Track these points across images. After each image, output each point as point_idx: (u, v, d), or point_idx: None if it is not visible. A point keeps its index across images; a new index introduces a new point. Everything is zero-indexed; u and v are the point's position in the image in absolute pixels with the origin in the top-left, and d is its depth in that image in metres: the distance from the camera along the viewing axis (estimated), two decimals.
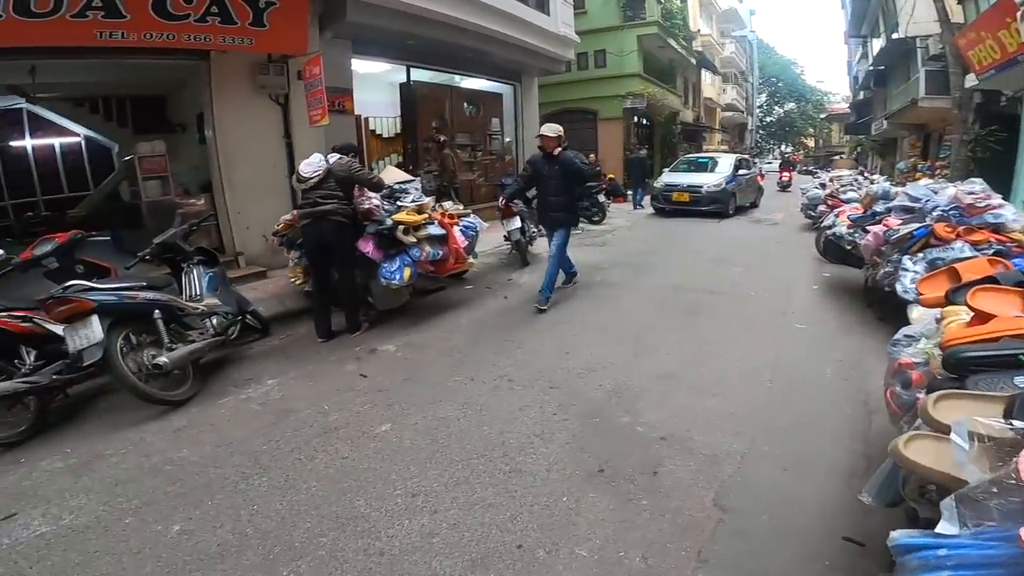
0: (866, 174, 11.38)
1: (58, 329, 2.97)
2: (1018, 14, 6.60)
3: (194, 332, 3.68)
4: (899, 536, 1.01)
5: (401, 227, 4.27)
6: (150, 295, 3.39)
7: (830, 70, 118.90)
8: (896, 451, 1.21)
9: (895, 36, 14.77)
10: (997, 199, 3.70)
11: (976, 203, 3.59)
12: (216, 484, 2.41)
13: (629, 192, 14.38)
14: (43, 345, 3.06)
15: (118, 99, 9.26)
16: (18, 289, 3.59)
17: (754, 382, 3.31)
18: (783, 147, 45.93)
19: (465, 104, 10.85)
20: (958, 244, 3.42)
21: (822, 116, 44.58)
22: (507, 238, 6.81)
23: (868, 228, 4.27)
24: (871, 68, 20.05)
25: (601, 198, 10.55)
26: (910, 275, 3.54)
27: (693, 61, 22.59)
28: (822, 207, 8.10)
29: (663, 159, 19.52)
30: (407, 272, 4.27)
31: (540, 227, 7.95)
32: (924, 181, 5.75)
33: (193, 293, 3.95)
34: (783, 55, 43.62)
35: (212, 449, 2.72)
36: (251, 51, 5.72)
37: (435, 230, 4.49)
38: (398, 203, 4.57)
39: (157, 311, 3.37)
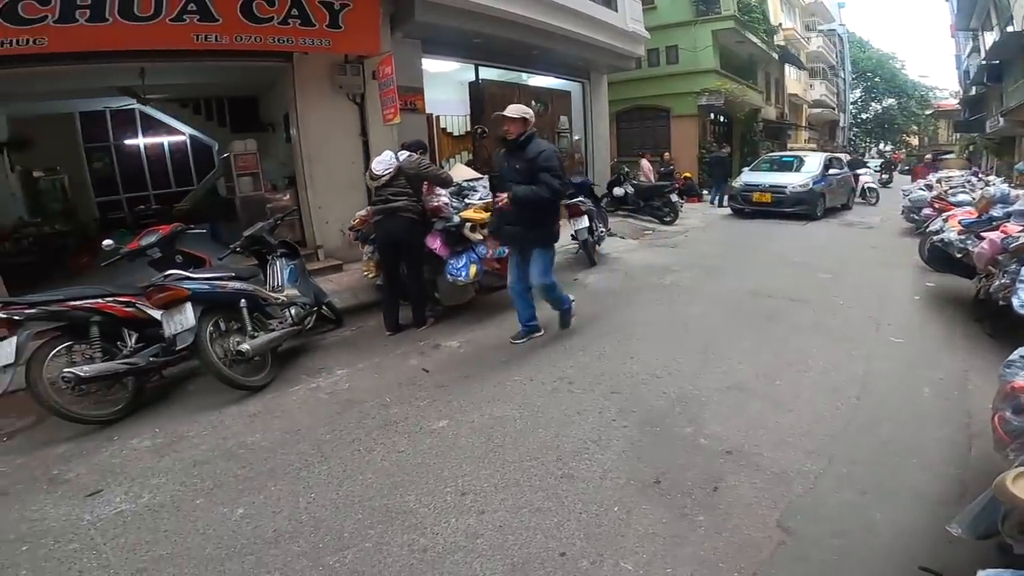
0: (981, 175, 10.22)
1: (157, 314, 3.21)
2: None
3: (274, 321, 3.91)
4: (989, 574, 0.90)
5: (468, 224, 4.33)
6: (237, 285, 3.63)
7: (935, 65, 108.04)
8: (1002, 487, 1.07)
9: (1010, 29, 13.13)
10: None
11: None
12: (280, 470, 2.53)
13: (705, 191, 13.79)
14: (144, 329, 3.33)
15: (217, 100, 10.07)
16: (126, 276, 4.01)
17: (838, 398, 3.04)
18: (882, 145, 42.18)
19: (533, 102, 10.81)
20: None
21: (927, 112, 40.55)
22: (574, 237, 6.72)
23: (983, 234, 3.81)
24: (984, 63, 18.06)
25: (674, 198, 10.17)
26: None
27: (775, 56, 21.33)
28: (927, 210, 7.34)
29: (743, 158, 18.54)
30: (473, 269, 4.32)
31: (608, 228, 7.84)
32: None
33: (276, 284, 4.19)
34: (879, 49, 40.11)
35: (281, 435, 2.87)
36: (329, 52, 5.98)
37: None
38: (466, 200, 4.63)
39: (243, 300, 3.60)
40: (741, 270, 6.31)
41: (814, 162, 11.48)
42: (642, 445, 2.63)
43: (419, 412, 3.06)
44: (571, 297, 4.26)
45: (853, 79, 38.81)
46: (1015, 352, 1.82)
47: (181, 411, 3.23)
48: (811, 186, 10.45)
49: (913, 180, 13.16)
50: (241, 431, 2.94)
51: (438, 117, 9.93)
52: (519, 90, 10.40)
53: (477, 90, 9.53)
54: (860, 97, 40.43)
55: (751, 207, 10.85)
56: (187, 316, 3.17)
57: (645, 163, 11.72)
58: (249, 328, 3.56)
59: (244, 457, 2.67)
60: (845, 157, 15.55)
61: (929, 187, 8.44)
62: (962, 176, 8.99)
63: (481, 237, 4.33)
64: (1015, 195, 4.30)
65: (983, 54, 18.21)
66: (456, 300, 4.91)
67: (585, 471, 2.42)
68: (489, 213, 4.48)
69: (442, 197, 4.40)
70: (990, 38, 16.73)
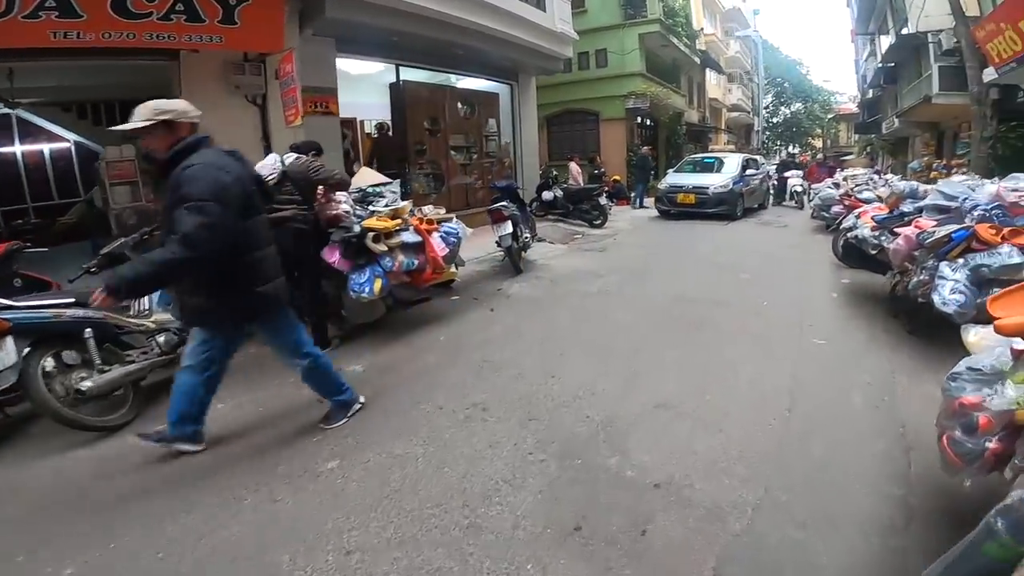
0: (881, 174, 10.89)
1: None
2: None
3: (135, 351, 3.33)
4: None
5: (371, 234, 3.86)
6: (80, 312, 3.00)
7: (837, 70, 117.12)
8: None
9: (905, 32, 14.18)
10: None
11: (1022, 201, 3.12)
12: (136, 521, 2.14)
13: (634, 194, 13.94)
14: None
15: (107, 103, 8.96)
16: None
17: (768, 413, 2.85)
18: (791, 148, 45.19)
19: (460, 104, 10.48)
20: (1005, 249, 2.95)
21: (829, 116, 43.84)
22: (499, 244, 6.38)
23: (896, 230, 3.80)
24: (880, 65, 19.48)
25: (602, 200, 10.11)
26: (949, 284, 3.09)
27: (697, 60, 22.12)
28: (837, 208, 7.62)
29: (668, 160, 19.06)
30: (378, 284, 3.86)
31: (534, 233, 7.59)
32: (959, 177, 5.22)
33: (141, 308, 3.57)
34: (788, 55, 42.93)
35: (139, 481, 2.44)
36: (222, 49, 5.38)
37: (409, 237, 4.09)
38: (371, 208, 4.17)
39: (88, 329, 3.00)
40: (667, 274, 6.21)
41: (733, 163, 11.84)
42: (561, 483, 2.29)
43: (306, 452, 2.60)
44: (350, 392, 2.95)
45: (765, 84, 41.26)
46: (960, 364, 1.63)
47: (17, 456, 2.73)
48: (731, 186, 10.74)
49: (806, 179, 13.88)
50: (87, 478, 2.46)
51: (362, 121, 9.40)
52: (447, 92, 10.01)
53: (398, 92, 9.05)
54: (771, 102, 43.03)
55: (676, 208, 11.01)
56: (8, 351, 2.62)
57: (574, 166, 11.65)
58: (97, 361, 2.97)
59: (87, 507, 2.23)
60: (760, 159, 16.16)
61: (837, 185, 8.83)
62: (866, 174, 9.51)
63: (386, 248, 3.88)
64: (923, 190, 4.37)
65: (879, 58, 19.65)
66: (366, 318, 4.44)
67: (495, 519, 2.06)
68: (396, 222, 4.05)
69: (342, 205, 3.92)
70: (886, 42, 18.05)
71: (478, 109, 10.73)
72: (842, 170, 11.84)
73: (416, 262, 4.09)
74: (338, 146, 7.61)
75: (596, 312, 4.84)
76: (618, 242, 8.65)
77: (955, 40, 10.56)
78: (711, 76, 27.93)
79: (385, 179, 4.70)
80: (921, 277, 3.35)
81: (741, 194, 11.06)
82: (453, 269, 4.97)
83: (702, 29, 23.15)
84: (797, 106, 42.08)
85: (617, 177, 15.06)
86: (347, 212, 3.91)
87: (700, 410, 2.90)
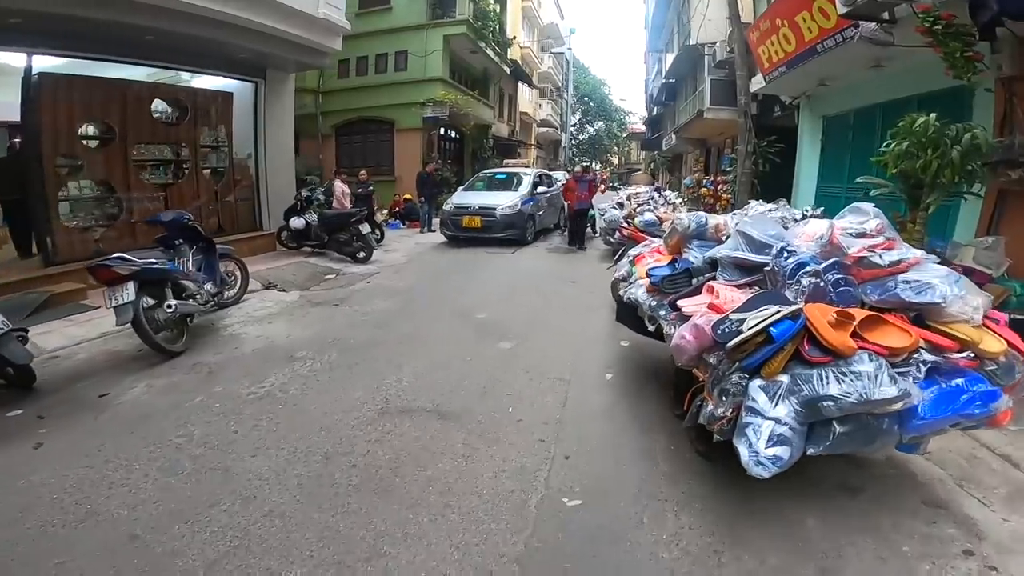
0: (662, 191, 10.60)
1: None
2: None
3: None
4: None
5: None
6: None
7: (632, 90, 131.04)
8: None
9: (687, 43, 14.75)
10: (903, 246, 1.95)
11: (874, 257, 1.76)
12: None
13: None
14: None
15: None
16: None
17: None
18: (593, 164, 48.52)
19: (158, 106, 7.48)
20: (866, 364, 1.56)
21: (624, 135, 47.90)
22: (117, 320, 3.82)
23: (682, 304, 2.31)
24: (664, 81, 20.66)
25: (364, 228, 7.93)
26: (767, 429, 1.63)
27: (507, 70, 21.34)
28: (620, 234, 6.59)
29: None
30: None
31: (236, 282, 5.19)
32: (762, 206, 4.06)
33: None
34: (596, 75, 45.89)
35: None
36: None
37: None
38: None
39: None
40: (397, 347, 4.27)
41: (525, 181, 10.59)
42: None
43: None
44: None
45: (574, 102, 43.47)
46: None
47: None
48: (520, 207, 9.42)
49: (564, 196, 12.55)
50: None
51: None
52: (128, 89, 6.90)
53: (30, 88, 5.84)
54: (579, 119, 45.59)
55: (463, 233, 9.35)
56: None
57: (339, 184, 9.33)
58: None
59: None
60: (562, 175, 15.10)
61: (621, 205, 7.95)
62: (647, 192, 8.90)
63: None
64: (715, 224, 3.02)
65: (664, 74, 20.85)
66: None
67: None
68: None
69: None
70: (671, 59, 19.07)
71: (194, 112, 7.82)
72: (626, 186, 11.43)
73: None
74: None
75: (225, 453, 2.69)
76: (371, 286, 6.52)
77: (728, 48, 10.74)
78: (523, 90, 27.77)
79: None
80: (721, 410, 1.83)
81: (532, 215, 9.81)
82: None
83: (515, 38, 22.42)
84: (599, 124, 45.12)
85: (408, 196, 13.13)
86: None
87: None
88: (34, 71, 5.84)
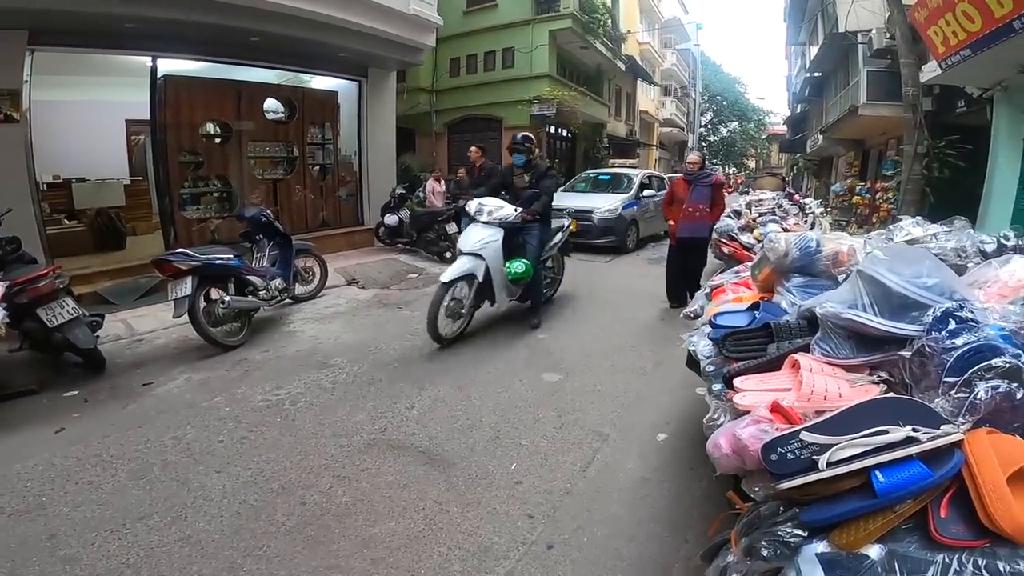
0: (797, 197, 9.02)
1: None
2: None
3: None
4: None
5: None
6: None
7: (772, 88, 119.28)
8: None
9: (834, 32, 12.65)
10: None
11: None
12: None
13: None
14: None
15: None
16: None
17: None
18: (727, 168, 44.71)
19: (270, 105, 7.95)
20: None
21: (763, 136, 43.71)
22: (176, 311, 3.88)
23: (737, 395, 1.52)
24: (808, 75, 18.13)
25: (451, 228, 7.67)
26: None
27: (621, 66, 20.31)
28: (719, 249, 5.58)
29: None
30: None
31: (296, 282, 5.20)
32: (934, 228, 2.73)
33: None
34: (729, 73, 42.49)
35: None
36: None
37: None
38: None
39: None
40: (427, 365, 3.77)
41: (630, 183, 9.70)
42: None
43: None
44: None
45: (704, 102, 40.46)
46: None
47: None
48: (620, 211, 8.56)
49: (663, 210, 11.18)
50: None
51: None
52: (241, 89, 7.41)
53: (156, 90, 6.43)
54: (710, 120, 42.33)
55: None
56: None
57: (431, 183, 9.27)
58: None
59: None
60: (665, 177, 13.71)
61: (738, 213, 6.80)
62: (774, 199, 7.57)
63: None
64: (833, 252, 2.07)
65: (807, 67, 18.30)
66: None
67: None
68: None
69: None
70: (815, 52, 16.69)
71: (301, 111, 8.21)
72: (751, 191, 9.95)
73: None
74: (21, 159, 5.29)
75: (191, 460, 2.48)
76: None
77: (888, 35, 8.89)
78: (644, 88, 26.41)
79: None
80: (744, 570, 1.08)
81: (634, 221, 8.88)
82: None
83: (629, 32, 21.30)
84: (733, 125, 41.62)
85: None
86: None
87: None
88: (159, 73, 6.42)
